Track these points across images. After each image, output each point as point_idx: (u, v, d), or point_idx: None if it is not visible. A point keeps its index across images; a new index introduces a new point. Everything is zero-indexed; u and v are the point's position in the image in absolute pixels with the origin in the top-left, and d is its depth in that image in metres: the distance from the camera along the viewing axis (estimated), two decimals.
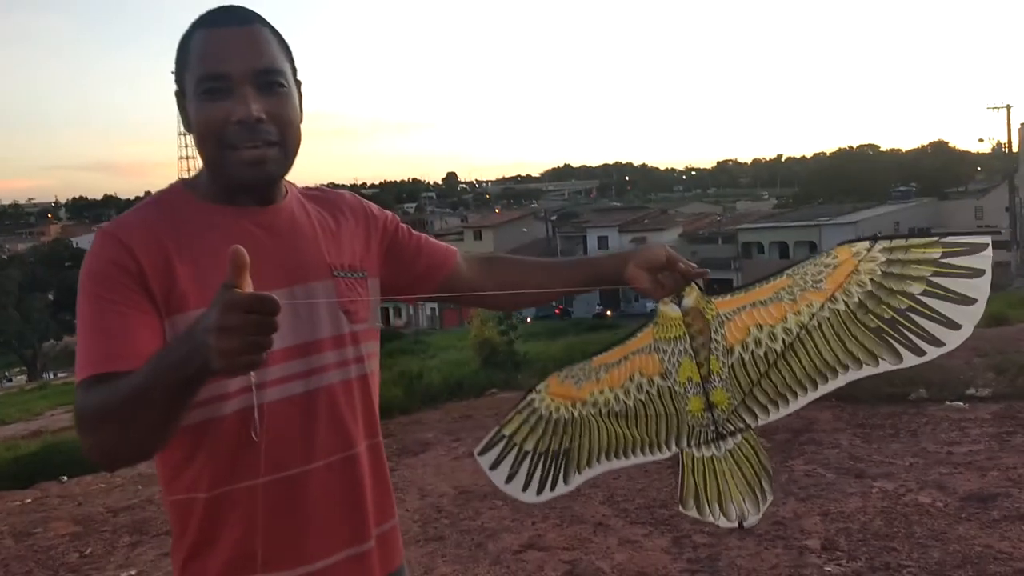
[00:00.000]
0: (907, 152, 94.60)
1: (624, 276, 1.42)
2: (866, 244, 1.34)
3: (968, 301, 1.29)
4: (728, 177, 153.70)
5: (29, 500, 6.29)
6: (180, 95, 1.23)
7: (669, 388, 1.45)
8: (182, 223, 1.20)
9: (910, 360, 1.34)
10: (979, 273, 1.28)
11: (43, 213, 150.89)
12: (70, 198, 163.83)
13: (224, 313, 0.88)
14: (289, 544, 1.20)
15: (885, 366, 1.36)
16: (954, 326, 1.30)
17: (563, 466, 1.49)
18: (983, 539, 3.22)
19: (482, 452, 1.51)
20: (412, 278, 1.46)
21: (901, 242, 1.33)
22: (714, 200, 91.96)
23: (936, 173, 68.59)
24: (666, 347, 1.43)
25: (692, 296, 1.40)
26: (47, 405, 24.31)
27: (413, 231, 1.49)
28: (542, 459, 1.49)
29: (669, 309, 1.41)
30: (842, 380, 1.38)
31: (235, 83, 1.16)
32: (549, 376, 1.49)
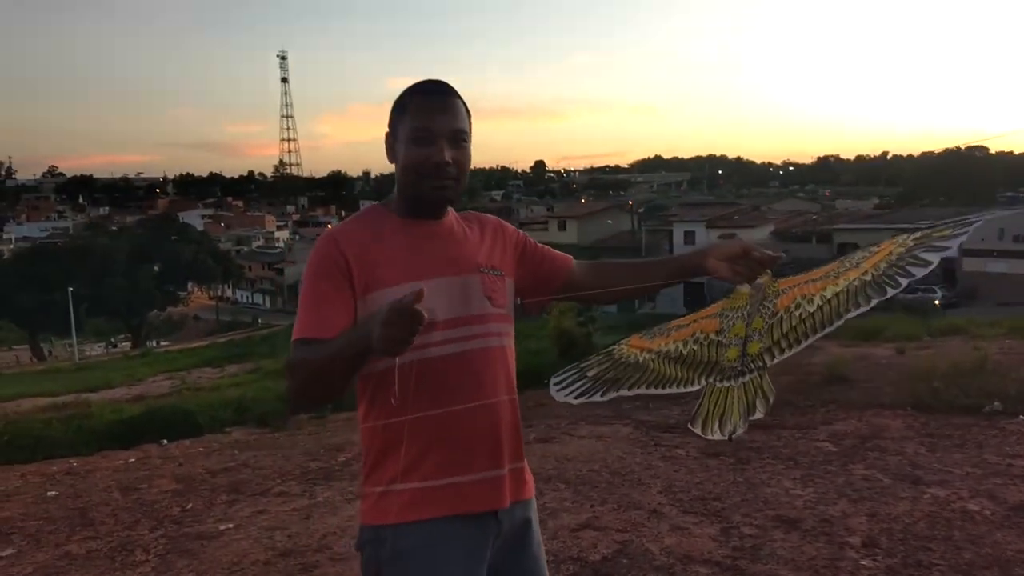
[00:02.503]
0: (1018, 155, 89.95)
1: (706, 268, 1.74)
2: (905, 235, 1.67)
3: (945, 250, 1.63)
4: (829, 174, 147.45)
5: (133, 459, 6.72)
6: (390, 136, 1.68)
7: (719, 341, 1.77)
8: (379, 229, 1.65)
9: (890, 292, 1.65)
10: (962, 235, 1.62)
11: (151, 188, 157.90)
12: (177, 174, 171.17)
13: (389, 313, 1.31)
14: (443, 461, 1.59)
15: (873, 302, 1.67)
16: (926, 264, 1.63)
17: (608, 387, 1.84)
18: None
19: (557, 375, 1.87)
20: (538, 279, 1.84)
21: (929, 231, 1.65)
22: (812, 198, 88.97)
23: None
24: (729, 313, 1.75)
25: (764, 278, 1.70)
26: (149, 372, 25.50)
27: (538, 244, 1.88)
28: (595, 382, 1.85)
29: (743, 287, 1.72)
30: (842, 321, 1.70)
31: (436, 136, 1.60)
32: (632, 335, 1.84)
